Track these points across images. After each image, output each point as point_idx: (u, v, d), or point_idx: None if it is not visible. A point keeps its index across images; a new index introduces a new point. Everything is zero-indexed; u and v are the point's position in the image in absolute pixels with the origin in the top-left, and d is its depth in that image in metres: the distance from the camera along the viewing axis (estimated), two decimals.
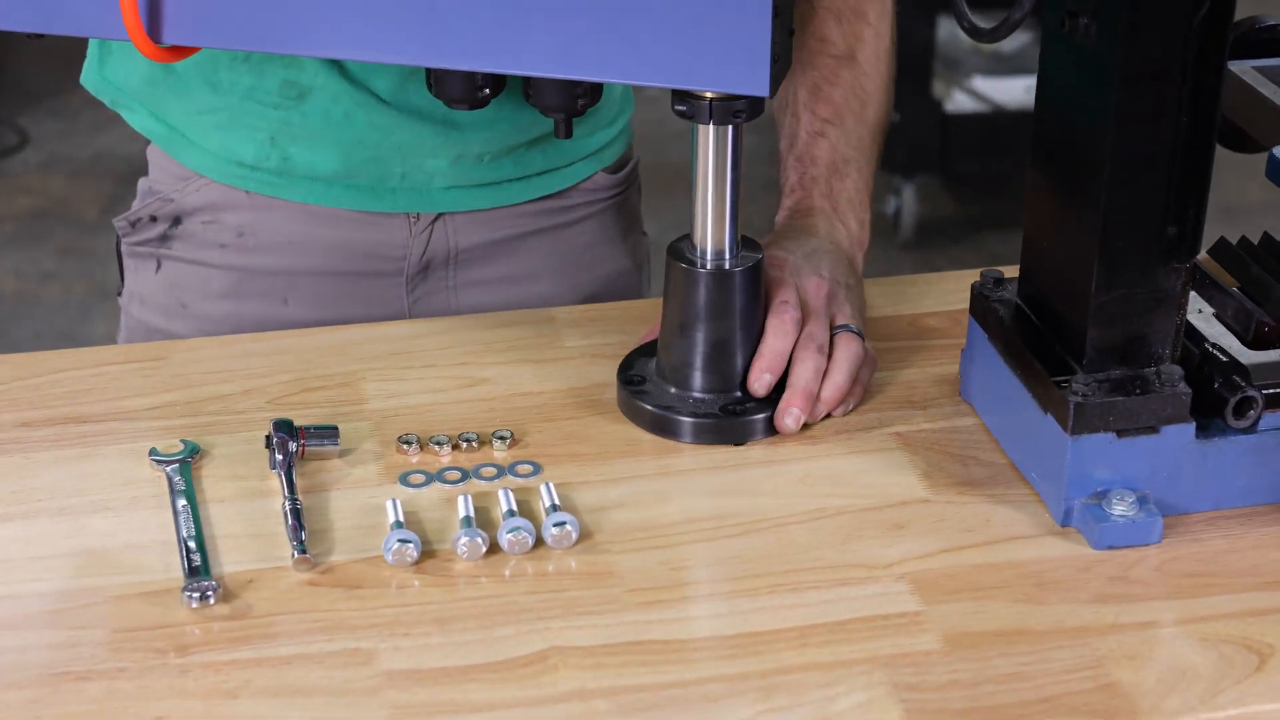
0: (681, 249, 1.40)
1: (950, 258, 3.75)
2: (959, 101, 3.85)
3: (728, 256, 1.39)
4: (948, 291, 1.58)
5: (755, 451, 1.38)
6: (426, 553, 1.27)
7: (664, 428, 1.39)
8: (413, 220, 1.60)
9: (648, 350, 1.45)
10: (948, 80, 3.87)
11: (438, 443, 1.37)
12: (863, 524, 1.30)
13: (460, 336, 1.52)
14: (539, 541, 1.28)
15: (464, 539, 1.26)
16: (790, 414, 1.37)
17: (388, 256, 1.61)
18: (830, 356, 1.40)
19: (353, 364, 1.48)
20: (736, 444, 1.39)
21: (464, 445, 1.38)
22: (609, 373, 1.44)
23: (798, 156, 1.53)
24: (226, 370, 1.47)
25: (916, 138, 3.75)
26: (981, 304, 1.40)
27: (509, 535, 1.27)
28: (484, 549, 1.26)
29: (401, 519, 1.28)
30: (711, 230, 1.38)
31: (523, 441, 1.39)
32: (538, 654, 1.18)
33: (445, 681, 1.16)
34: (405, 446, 1.37)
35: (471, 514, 1.29)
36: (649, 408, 1.40)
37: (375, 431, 1.40)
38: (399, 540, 1.26)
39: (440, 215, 1.60)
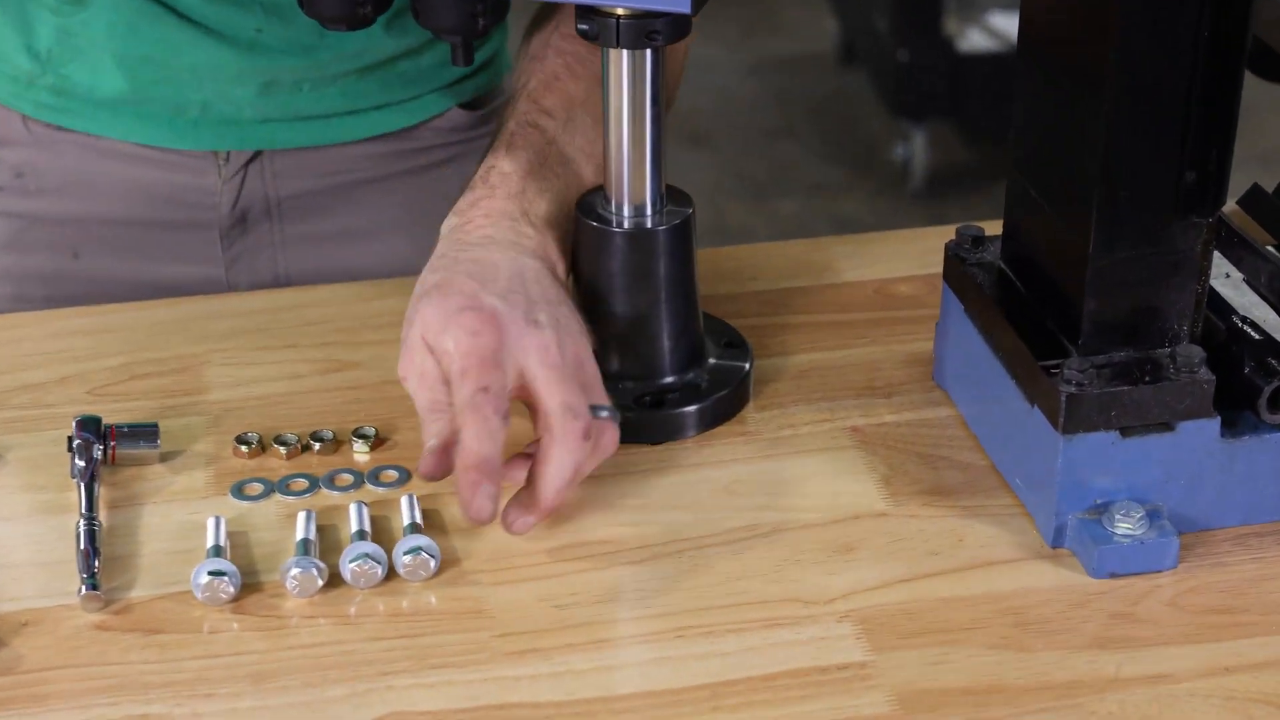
0: (592, 203, 1.14)
1: (965, 208, 3.47)
2: (972, 40, 3.56)
3: (649, 212, 1.12)
4: (925, 251, 1.31)
5: (677, 453, 1.12)
6: (251, 586, 1.01)
7: None
8: (221, 160, 1.34)
9: None
10: (960, 17, 3.59)
11: (283, 443, 1.12)
12: (802, 546, 1.04)
13: (329, 310, 1.26)
14: (392, 572, 1.02)
15: (295, 571, 1.00)
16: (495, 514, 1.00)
17: (195, 204, 1.35)
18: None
19: (195, 343, 1.22)
20: (653, 443, 1.13)
21: (315, 446, 1.12)
22: None
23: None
24: (39, 353, 1.21)
25: (926, 80, 3.47)
26: (957, 268, 1.13)
27: (352, 565, 1.01)
28: (320, 582, 1.00)
29: (222, 543, 1.02)
30: (629, 180, 1.12)
31: (390, 442, 1.13)
32: None
33: None
34: (242, 448, 1.11)
35: (312, 536, 1.03)
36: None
37: (211, 429, 1.14)
38: (210, 573, 1.00)
39: (255, 155, 1.34)
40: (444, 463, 1.01)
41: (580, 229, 1.13)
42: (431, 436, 1.01)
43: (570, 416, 1.01)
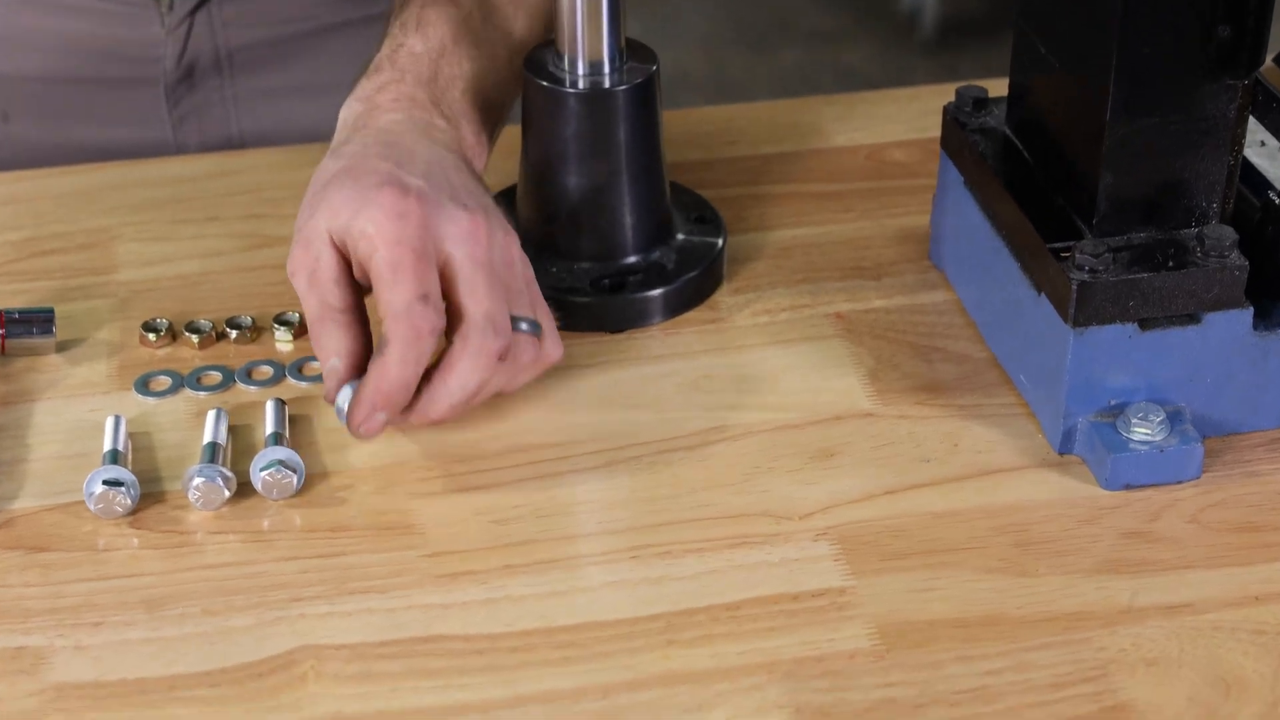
0: (542, 60, 1.00)
1: (978, 62, 3.31)
2: None
3: (607, 70, 0.99)
4: (924, 113, 1.18)
5: (638, 343, 0.99)
6: (153, 496, 0.89)
7: None
8: (164, 9, 1.20)
9: (508, 197, 1.06)
10: None
11: (195, 331, 0.99)
12: (776, 450, 0.92)
13: (258, 177, 1.13)
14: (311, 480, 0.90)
15: (197, 481, 0.88)
16: (378, 421, 0.88)
17: (136, 58, 1.21)
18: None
19: (105, 216, 1.10)
20: (612, 331, 1.00)
21: (232, 335, 1.00)
22: None
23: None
24: None
25: None
26: (956, 134, 1.00)
27: (264, 474, 0.89)
28: (226, 493, 0.88)
29: (121, 447, 0.90)
30: (584, 33, 0.98)
31: None
32: (281, 658, 0.81)
33: (137, 702, 0.79)
34: (150, 336, 0.99)
35: (221, 439, 0.91)
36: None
37: (117, 313, 1.02)
38: (105, 482, 0.88)
39: (202, 2, 1.20)
40: (353, 380, 0.89)
41: (529, 90, 1.00)
42: (331, 354, 0.89)
43: (489, 331, 0.87)
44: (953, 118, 1.00)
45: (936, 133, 1.05)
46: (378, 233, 0.87)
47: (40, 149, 1.20)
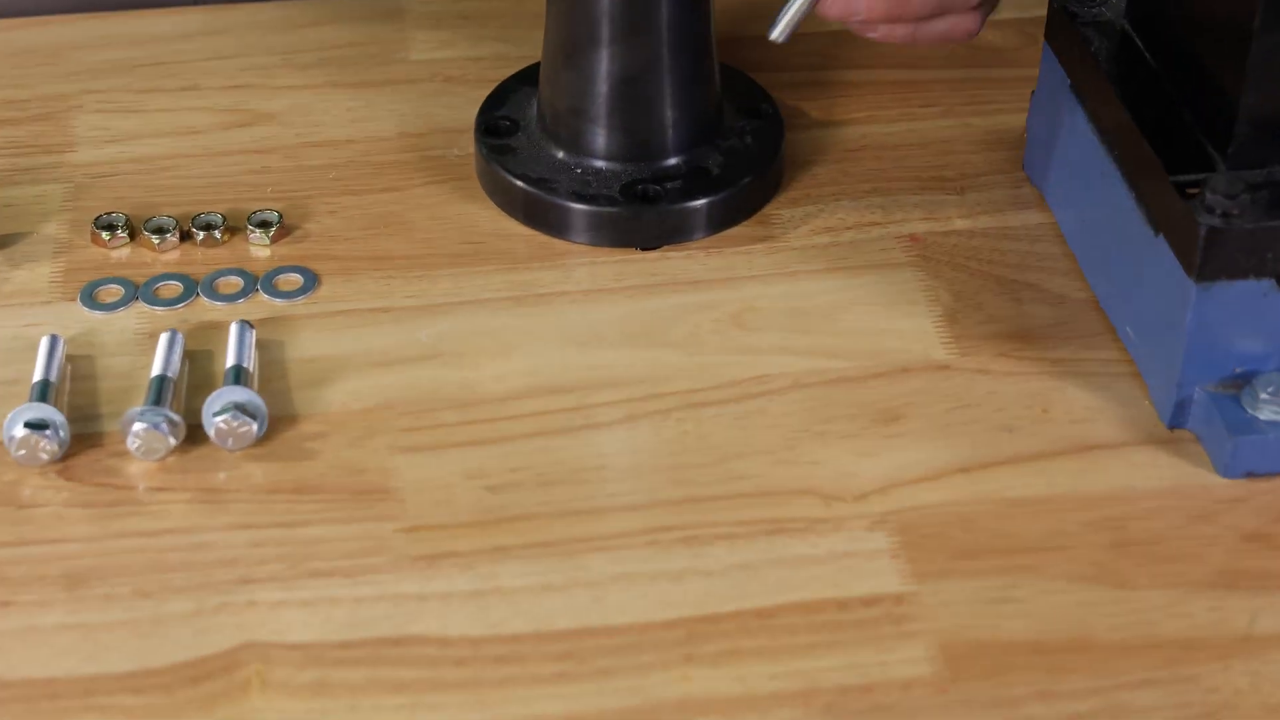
0: None
1: None
2: None
3: None
4: None
5: (673, 264, 0.84)
6: (89, 438, 0.75)
7: (534, 213, 0.86)
8: None
9: (531, 78, 0.90)
10: None
11: (157, 230, 0.85)
12: (829, 409, 0.77)
13: (244, 39, 0.97)
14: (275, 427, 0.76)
15: (138, 426, 0.74)
16: None
17: None
18: None
19: (66, 80, 0.94)
20: (644, 249, 0.85)
21: (199, 236, 0.85)
22: (470, 111, 0.90)
23: None
24: None
25: None
26: (1065, 27, 0.84)
27: (218, 420, 0.75)
28: (171, 442, 0.75)
29: (53, 377, 0.76)
30: None
31: (299, 232, 0.86)
32: (222, 658, 0.67)
33: (44, 710, 0.66)
34: (104, 234, 0.85)
35: (171, 371, 0.77)
36: (513, 179, 0.86)
37: (69, 203, 0.87)
38: (28, 424, 0.74)
39: None
40: None
41: None
42: None
43: None
44: (1061, 5, 0.84)
45: (1037, 10, 0.89)
46: None
47: None
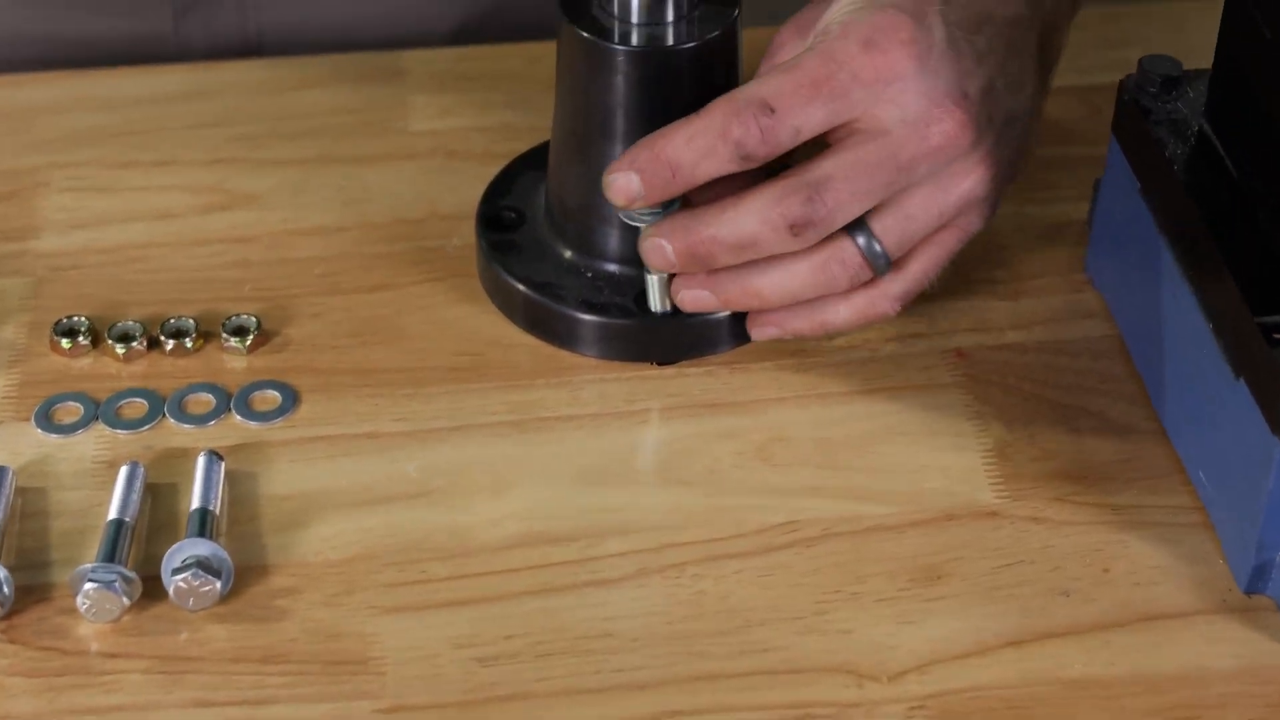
0: None
1: None
2: None
3: (671, 17, 0.74)
4: (1101, 45, 0.92)
5: (694, 382, 0.76)
6: (37, 591, 0.67)
7: (538, 321, 0.77)
8: None
9: (540, 160, 0.81)
10: None
11: (123, 338, 0.77)
12: (863, 563, 0.68)
13: (229, 103, 0.89)
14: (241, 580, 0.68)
15: (88, 586, 0.66)
16: (652, 244, 0.73)
17: None
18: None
19: (37, 151, 0.86)
20: (660, 364, 0.77)
21: (168, 344, 0.77)
22: (474, 191, 0.82)
23: None
24: None
25: None
26: (1135, 122, 0.75)
27: (178, 579, 0.67)
28: (125, 602, 0.67)
29: (0, 513, 0.69)
30: None
31: (280, 336, 0.78)
32: None
33: None
34: (63, 342, 0.77)
35: (129, 515, 0.69)
36: (515, 283, 0.77)
37: (30, 300, 0.79)
38: None
39: None
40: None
41: (564, 38, 0.75)
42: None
43: (807, 189, 0.69)
44: (1131, 99, 0.75)
45: (1106, 77, 0.80)
46: (831, 40, 0.70)
47: (17, 43, 0.95)
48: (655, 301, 0.75)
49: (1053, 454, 0.73)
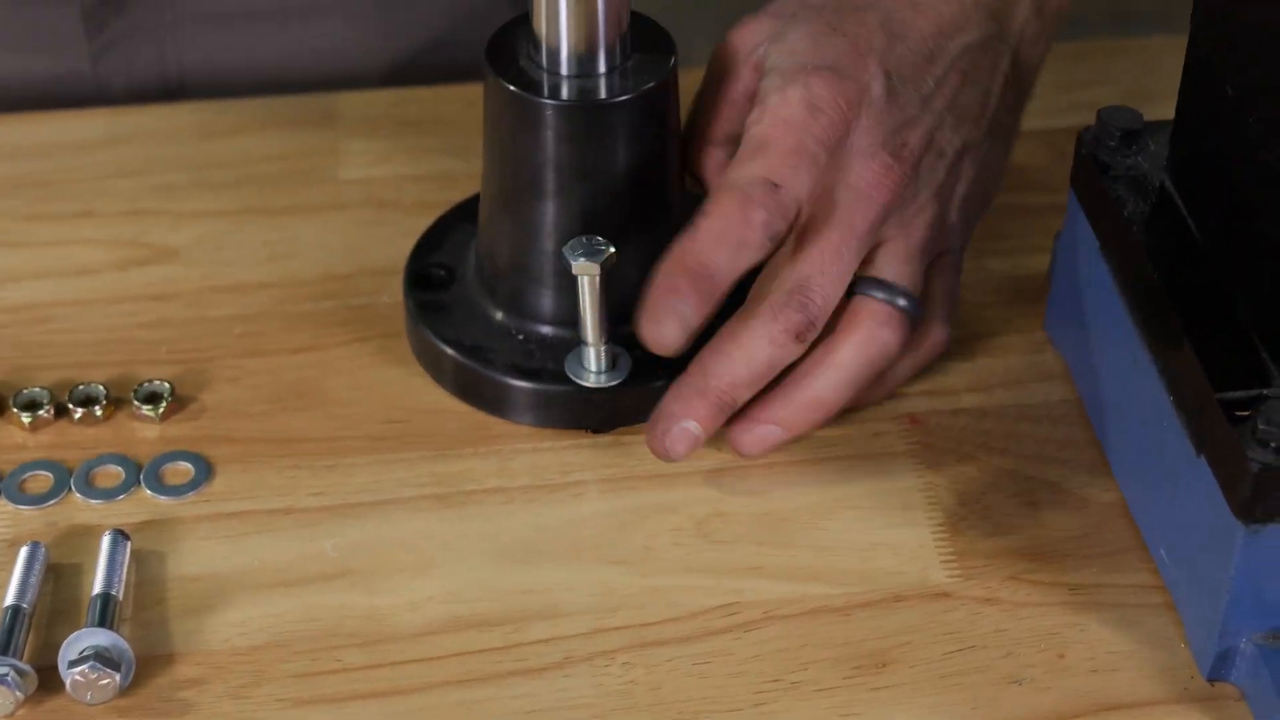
0: (510, 45, 0.71)
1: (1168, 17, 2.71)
2: None
3: (603, 68, 0.70)
4: (1064, 88, 0.88)
5: (629, 452, 0.72)
6: None
7: (467, 387, 0.73)
8: None
9: (473, 213, 0.77)
10: None
11: (29, 406, 0.73)
12: (806, 649, 0.64)
13: (152, 150, 0.85)
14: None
15: None
16: (674, 431, 0.69)
17: None
18: (827, 337, 0.70)
19: None
20: (595, 431, 0.73)
21: (76, 411, 0.73)
22: (405, 244, 0.78)
23: None
24: None
25: None
26: (1093, 178, 0.71)
27: (74, 672, 0.63)
28: (18, 696, 0.62)
29: None
30: (569, 7, 0.69)
31: (195, 403, 0.74)
32: None
33: None
34: None
35: (28, 600, 0.65)
36: (443, 346, 0.73)
37: None
38: None
39: None
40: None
41: (489, 90, 0.71)
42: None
43: (790, 301, 0.68)
44: (1089, 153, 0.71)
45: (1078, 120, 0.76)
46: (776, 107, 0.68)
47: None
48: (593, 373, 0.71)
49: (1008, 528, 0.69)
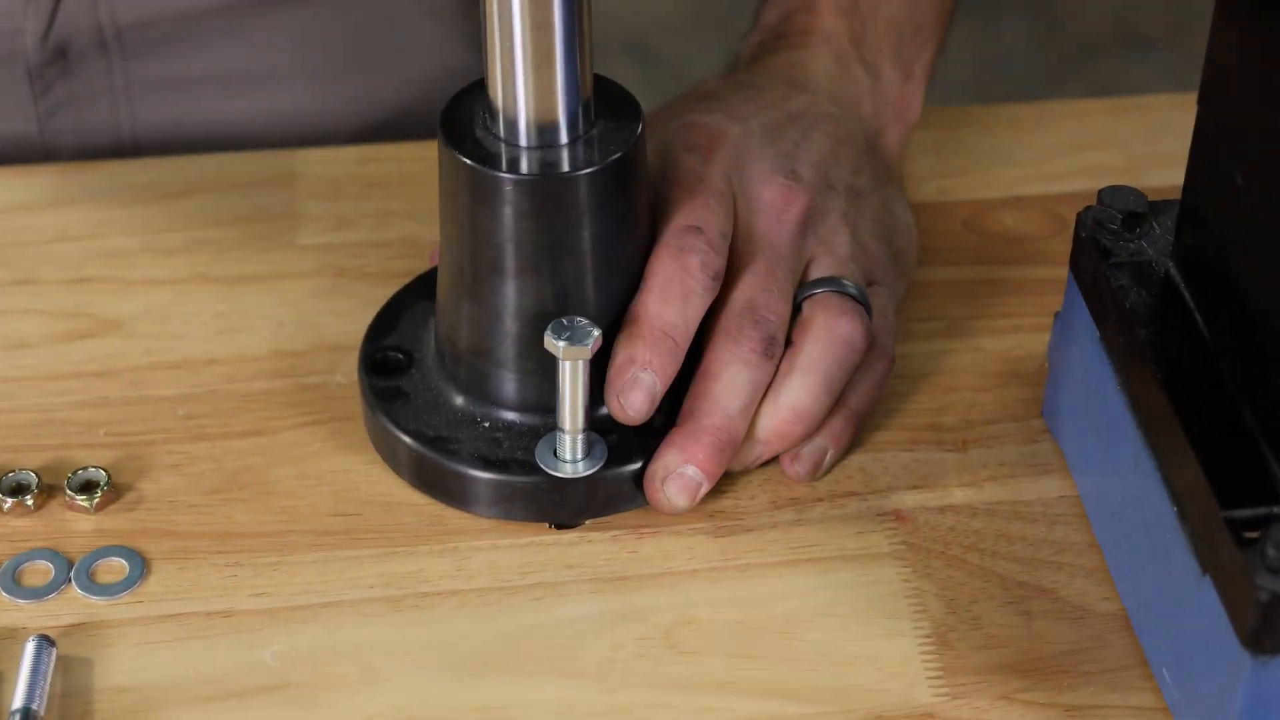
0: (464, 116, 0.66)
1: (1175, 73, 2.20)
2: None
3: (565, 137, 0.65)
4: (1066, 150, 0.83)
5: (593, 550, 0.67)
6: None
7: (427, 478, 0.68)
8: None
9: (431, 289, 0.73)
10: None
11: None
12: None
13: (99, 213, 0.80)
14: None
15: None
16: (672, 480, 0.66)
17: None
18: (789, 349, 0.68)
19: None
20: (559, 527, 0.68)
21: (6, 502, 0.68)
22: (364, 318, 0.73)
23: None
24: None
25: None
26: (1093, 263, 0.66)
27: None
28: None
29: None
30: (527, 76, 0.64)
31: (133, 492, 0.69)
32: None
33: None
34: None
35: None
36: (401, 435, 0.69)
37: None
38: None
39: None
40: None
41: (445, 163, 0.66)
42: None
43: (746, 319, 0.67)
44: (1090, 237, 0.66)
45: (1083, 185, 0.71)
46: (673, 165, 0.70)
47: None
48: (568, 462, 0.66)
49: (1000, 641, 0.64)
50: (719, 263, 0.67)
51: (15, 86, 0.87)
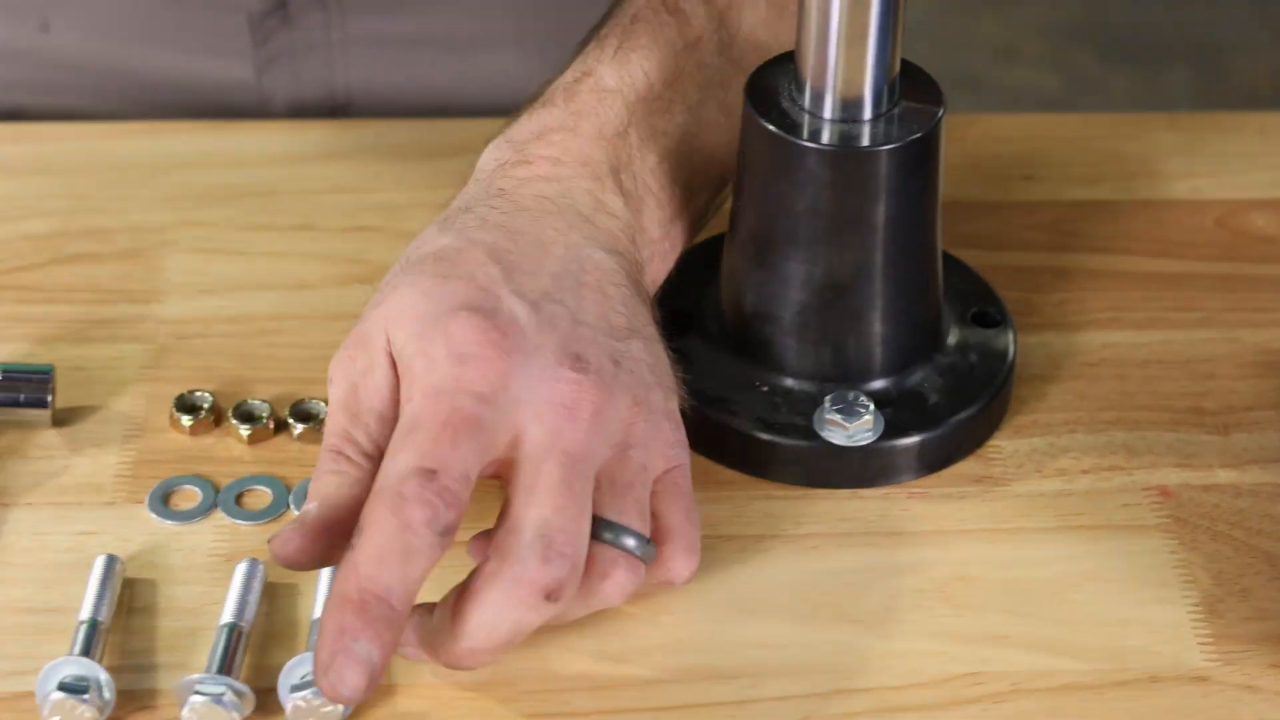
0: (772, 85, 0.68)
1: None
2: None
3: (869, 113, 0.67)
4: None
5: (866, 507, 0.68)
6: (135, 696, 0.61)
7: (705, 438, 0.70)
8: None
9: (715, 255, 0.73)
10: None
11: (247, 418, 0.71)
12: None
13: (372, 167, 0.83)
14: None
15: (197, 700, 0.60)
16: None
17: None
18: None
19: (162, 207, 0.80)
20: (838, 486, 0.70)
21: (296, 427, 0.71)
22: None
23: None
24: None
25: None
26: None
27: (296, 698, 0.61)
28: (235, 718, 0.61)
29: (101, 616, 0.63)
30: (839, 51, 0.66)
31: None
32: None
33: None
34: (184, 419, 0.71)
35: (245, 618, 0.63)
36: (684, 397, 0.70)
37: (151, 369, 0.73)
38: (63, 685, 0.60)
39: None
40: (315, 549, 0.60)
41: (749, 131, 0.68)
42: (313, 498, 0.61)
43: (534, 554, 0.58)
44: None
45: None
46: (423, 374, 0.60)
47: (83, 72, 0.90)
48: (848, 431, 0.68)
49: (1270, 614, 0.65)
50: (453, 517, 0.58)
51: (237, 33, 0.90)
